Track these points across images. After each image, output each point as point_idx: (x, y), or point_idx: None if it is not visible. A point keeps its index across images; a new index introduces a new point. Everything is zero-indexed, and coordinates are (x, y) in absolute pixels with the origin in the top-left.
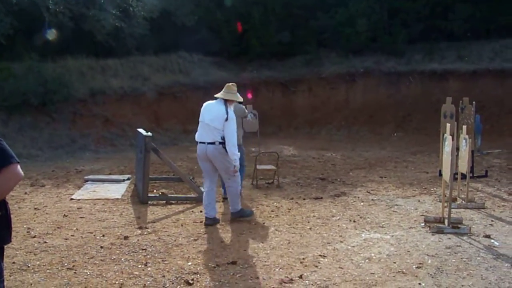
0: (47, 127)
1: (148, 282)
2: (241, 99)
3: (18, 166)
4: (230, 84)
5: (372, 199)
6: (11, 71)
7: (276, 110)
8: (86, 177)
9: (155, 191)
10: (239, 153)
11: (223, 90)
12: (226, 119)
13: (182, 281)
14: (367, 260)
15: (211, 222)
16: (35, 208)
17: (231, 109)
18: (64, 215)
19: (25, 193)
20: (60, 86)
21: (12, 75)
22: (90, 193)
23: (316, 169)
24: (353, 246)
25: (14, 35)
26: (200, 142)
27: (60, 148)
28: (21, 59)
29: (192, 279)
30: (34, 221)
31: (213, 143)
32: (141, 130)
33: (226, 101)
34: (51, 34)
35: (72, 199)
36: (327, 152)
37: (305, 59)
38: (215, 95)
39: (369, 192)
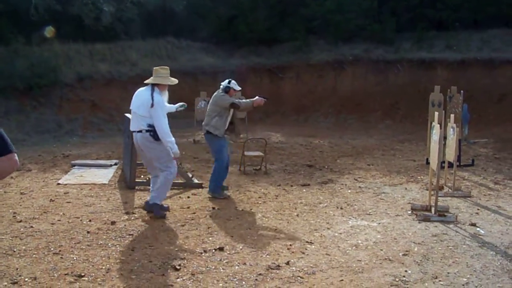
0: (33, 112)
1: (135, 267)
2: (173, 82)
3: (16, 156)
4: (158, 67)
5: (360, 187)
6: None
7: None
8: (73, 162)
9: (142, 176)
10: (174, 139)
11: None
12: (152, 105)
13: (169, 266)
14: (354, 247)
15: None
16: (21, 193)
17: (159, 94)
18: (51, 199)
19: (11, 177)
20: (47, 70)
21: None
22: (77, 178)
23: (303, 156)
24: (340, 233)
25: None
26: (132, 132)
27: (46, 132)
28: (7, 42)
29: (179, 265)
30: (20, 205)
31: (140, 131)
32: (128, 115)
33: (154, 86)
34: (49, 32)
35: (59, 184)
36: (315, 139)
37: (294, 46)
38: (145, 81)
39: (356, 180)
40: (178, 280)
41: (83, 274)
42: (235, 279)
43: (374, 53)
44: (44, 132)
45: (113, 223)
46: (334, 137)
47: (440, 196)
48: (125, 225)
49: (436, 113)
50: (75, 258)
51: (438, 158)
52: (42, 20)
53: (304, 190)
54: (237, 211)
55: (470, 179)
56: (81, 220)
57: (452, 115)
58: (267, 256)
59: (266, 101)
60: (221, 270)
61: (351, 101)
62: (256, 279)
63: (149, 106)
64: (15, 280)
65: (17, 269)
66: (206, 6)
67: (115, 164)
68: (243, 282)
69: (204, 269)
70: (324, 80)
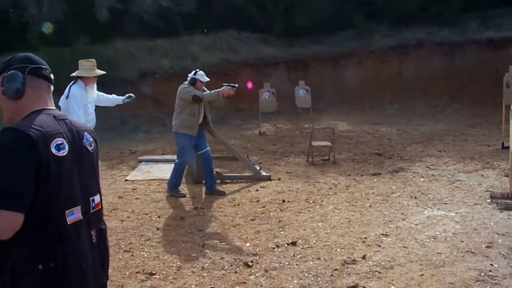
0: (98, 109)
1: (207, 264)
2: (96, 74)
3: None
4: (83, 60)
5: (432, 175)
6: (62, 55)
7: (327, 85)
8: (139, 157)
9: None
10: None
11: None
12: (67, 97)
13: (241, 263)
14: (432, 239)
15: None
16: None
17: (80, 86)
18: (120, 196)
19: None
20: (109, 68)
21: (63, 60)
22: (144, 174)
23: (371, 145)
24: (416, 224)
25: (65, 20)
26: None
27: (111, 129)
28: (72, 43)
29: (252, 261)
30: None
31: None
32: None
33: (77, 79)
34: (47, 28)
35: (126, 180)
36: (382, 127)
37: (354, 32)
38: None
39: (428, 167)
40: (251, 277)
41: (154, 272)
42: (310, 275)
43: (438, 36)
44: (109, 129)
45: (182, 218)
46: (401, 123)
47: None
48: (194, 220)
49: None
50: (145, 255)
51: None
52: (104, 19)
53: (375, 180)
54: (307, 203)
55: None
56: (150, 217)
57: None
58: (342, 250)
59: (236, 89)
60: (295, 266)
61: (416, 86)
62: (332, 275)
63: (65, 98)
64: None
65: None
66: None
67: None
68: (319, 278)
69: (277, 265)
70: (388, 65)
